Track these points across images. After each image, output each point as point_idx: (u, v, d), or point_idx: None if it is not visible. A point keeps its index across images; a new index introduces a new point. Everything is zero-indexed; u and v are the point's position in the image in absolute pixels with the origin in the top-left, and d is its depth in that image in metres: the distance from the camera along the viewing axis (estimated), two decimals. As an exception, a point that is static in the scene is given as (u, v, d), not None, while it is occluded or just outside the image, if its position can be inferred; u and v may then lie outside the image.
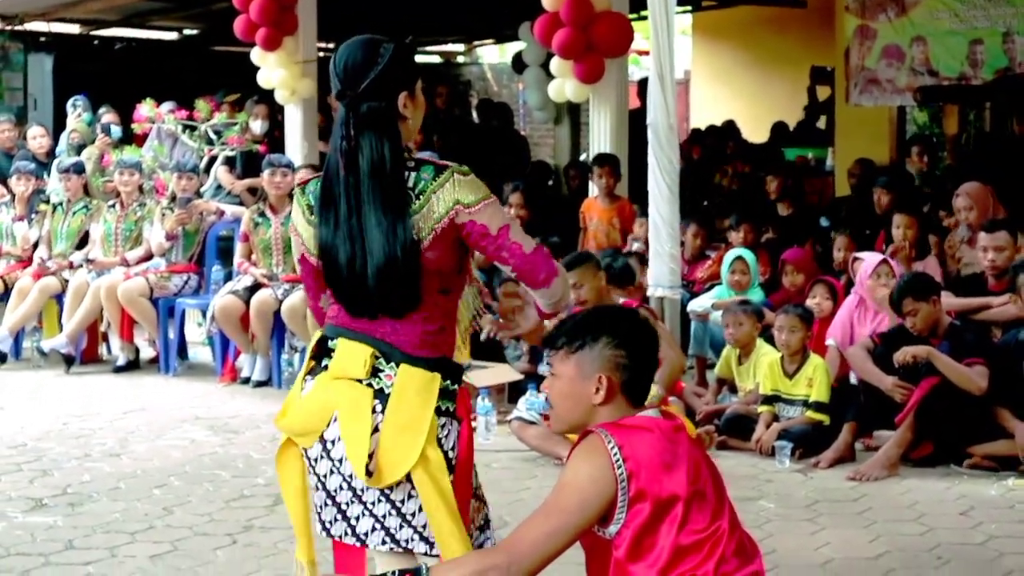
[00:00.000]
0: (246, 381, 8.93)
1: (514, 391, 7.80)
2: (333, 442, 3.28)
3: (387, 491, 3.27)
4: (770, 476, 6.51)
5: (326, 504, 3.37)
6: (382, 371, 3.27)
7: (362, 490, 3.29)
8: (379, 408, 3.25)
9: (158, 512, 5.90)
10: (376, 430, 3.23)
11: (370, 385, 3.26)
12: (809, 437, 6.82)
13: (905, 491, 6.18)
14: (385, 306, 3.28)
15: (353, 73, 3.27)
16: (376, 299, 3.27)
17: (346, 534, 3.35)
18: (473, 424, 3.47)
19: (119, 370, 9.50)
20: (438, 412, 3.26)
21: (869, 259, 7.72)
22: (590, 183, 10.15)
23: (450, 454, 3.27)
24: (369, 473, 3.22)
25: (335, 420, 3.27)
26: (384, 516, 3.29)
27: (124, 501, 6.10)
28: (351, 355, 3.29)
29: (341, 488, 3.31)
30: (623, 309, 3.41)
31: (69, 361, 9.53)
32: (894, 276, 7.34)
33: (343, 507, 3.34)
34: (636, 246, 9.17)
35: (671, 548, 3.05)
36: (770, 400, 7.08)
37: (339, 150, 3.28)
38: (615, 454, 3.05)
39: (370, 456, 3.22)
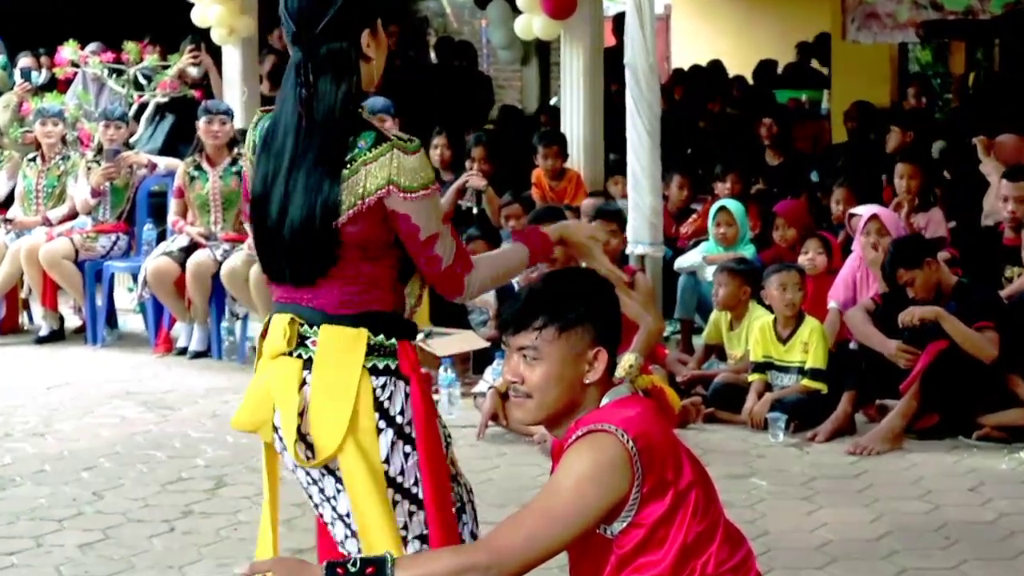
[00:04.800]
0: (182, 352, 8.90)
1: (479, 360, 7.79)
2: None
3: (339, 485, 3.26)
4: (762, 451, 6.53)
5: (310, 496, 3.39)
6: (308, 338, 3.24)
7: (321, 477, 3.27)
8: (309, 379, 3.22)
9: (87, 497, 5.88)
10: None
11: (299, 356, 3.23)
12: (805, 408, 6.84)
13: (909, 466, 6.21)
14: (295, 272, 3.25)
15: (309, 12, 3.20)
16: (286, 262, 3.26)
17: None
18: (436, 397, 3.44)
19: (41, 341, 9.45)
20: (375, 372, 3.21)
21: (865, 213, 7.70)
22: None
23: (399, 419, 3.21)
24: (310, 453, 3.20)
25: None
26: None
27: (50, 485, 6.07)
28: (275, 328, 3.27)
29: (311, 480, 3.31)
30: (590, 272, 3.35)
31: (-14, 331, 9.50)
32: (886, 233, 7.31)
33: (315, 498, 3.36)
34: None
35: (683, 539, 3.01)
36: (762, 367, 7.09)
37: (298, 99, 3.21)
38: (632, 450, 2.96)
39: (305, 434, 3.20)
